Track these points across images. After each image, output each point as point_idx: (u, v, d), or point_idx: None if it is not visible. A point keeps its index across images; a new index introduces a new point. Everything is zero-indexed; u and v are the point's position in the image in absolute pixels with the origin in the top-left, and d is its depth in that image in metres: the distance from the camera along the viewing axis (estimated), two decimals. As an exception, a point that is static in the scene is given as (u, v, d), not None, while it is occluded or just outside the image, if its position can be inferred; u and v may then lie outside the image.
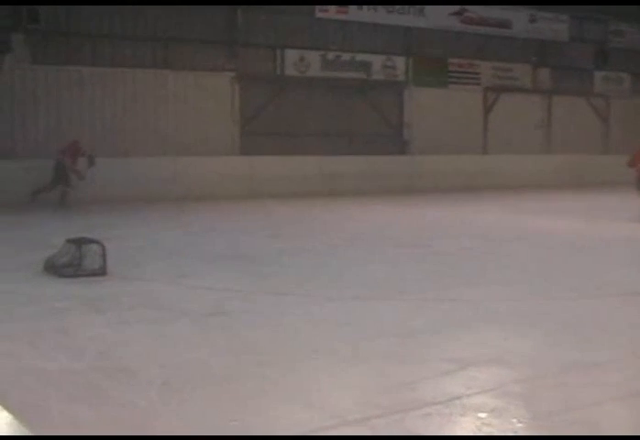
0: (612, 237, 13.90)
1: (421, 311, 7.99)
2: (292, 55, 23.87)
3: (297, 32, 24.03)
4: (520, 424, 4.84)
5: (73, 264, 9.56)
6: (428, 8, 25.96)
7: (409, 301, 8.53)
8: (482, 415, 4.98)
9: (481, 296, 8.62)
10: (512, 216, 17.52)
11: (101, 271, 9.55)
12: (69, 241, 9.89)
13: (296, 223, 16.29)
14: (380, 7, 25.09)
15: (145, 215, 17.25)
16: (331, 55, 24.54)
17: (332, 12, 24.40)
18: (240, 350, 6.48)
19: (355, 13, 24.77)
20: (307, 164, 22.78)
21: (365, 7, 24.87)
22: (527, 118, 28.37)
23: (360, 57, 25.04)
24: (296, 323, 7.48)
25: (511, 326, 7.37)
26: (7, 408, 3.59)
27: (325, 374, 5.90)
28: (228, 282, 9.33)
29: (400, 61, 25.90)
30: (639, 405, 5.42)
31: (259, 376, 5.79)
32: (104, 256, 9.59)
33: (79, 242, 9.78)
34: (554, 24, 29.10)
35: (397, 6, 25.41)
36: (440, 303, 8.34)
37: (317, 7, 24.10)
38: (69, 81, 20.72)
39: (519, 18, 28.32)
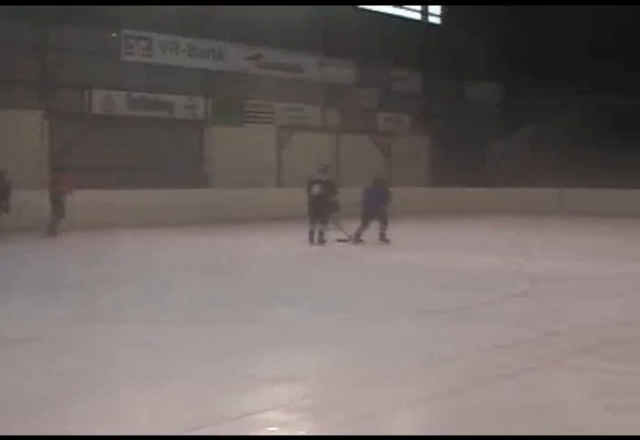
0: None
1: (226, 333, 8.90)
2: (99, 94, 25.17)
3: (104, 73, 25.38)
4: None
5: None
6: (227, 53, 28.05)
7: (214, 324, 9.51)
8: (273, 429, 5.54)
9: (285, 318, 9.77)
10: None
11: None
12: None
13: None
14: (181, 51, 27.00)
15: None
16: (136, 95, 26.06)
17: (138, 55, 26.03)
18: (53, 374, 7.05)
19: (159, 56, 26.47)
20: (115, 197, 23.57)
21: (168, 51, 26.64)
22: (318, 154, 30.49)
23: (164, 97, 26.60)
24: (107, 347, 8.14)
25: (307, 345, 8.21)
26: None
27: (135, 393, 6.37)
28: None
29: (200, 101, 27.58)
30: (425, 411, 6.18)
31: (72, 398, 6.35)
32: None
33: None
34: (341, 68, 31.76)
35: (198, 50, 27.38)
36: (245, 325, 9.35)
37: (123, 50, 25.66)
38: None
39: (310, 63, 30.75)
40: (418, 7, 36.40)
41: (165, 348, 8.07)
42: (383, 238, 18.75)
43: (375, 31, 32.36)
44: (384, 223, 18.78)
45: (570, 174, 28.98)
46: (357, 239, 18.68)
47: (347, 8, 32.15)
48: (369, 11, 33.43)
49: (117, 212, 22.86)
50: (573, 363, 7.65)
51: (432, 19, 37.18)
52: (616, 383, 6.92)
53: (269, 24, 28.35)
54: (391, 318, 9.98)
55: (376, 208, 18.70)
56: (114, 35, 25.72)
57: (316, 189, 18.65)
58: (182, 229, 22.72)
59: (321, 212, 18.46)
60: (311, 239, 18.61)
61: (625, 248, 18.48)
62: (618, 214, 27.34)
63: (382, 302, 11.16)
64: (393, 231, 18.85)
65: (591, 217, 26.84)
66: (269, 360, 7.53)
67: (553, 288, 12.60)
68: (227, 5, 27.23)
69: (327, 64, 31.35)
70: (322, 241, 18.54)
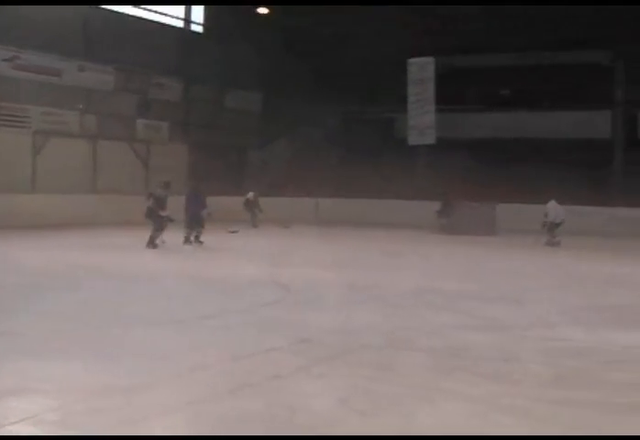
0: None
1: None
2: None
3: None
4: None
5: None
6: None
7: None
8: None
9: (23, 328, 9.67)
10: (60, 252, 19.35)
11: None
12: None
13: None
14: None
15: None
16: None
17: None
18: None
19: None
20: None
21: None
22: (75, 160, 30.10)
23: None
24: None
25: (51, 356, 8.13)
26: None
27: None
28: None
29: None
30: (179, 419, 6.28)
31: None
32: None
33: None
34: (101, 74, 31.38)
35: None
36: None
37: None
38: None
39: (69, 67, 30.17)
40: (181, 15, 36.47)
41: None
42: (197, 241, 21.12)
43: (136, 37, 32.17)
44: (201, 226, 21.19)
45: (327, 184, 30.03)
46: (151, 243, 20.02)
47: (109, 13, 31.84)
48: (131, 16, 33.22)
49: None
50: (321, 370, 8.02)
51: (194, 27, 37.36)
52: (362, 389, 7.31)
53: (28, 26, 27.58)
54: (144, 327, 10.05)
55: (194, 213, 21.04)
56: None
57: (150, 202, 20.35)
58: None
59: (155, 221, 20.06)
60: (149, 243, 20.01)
61: (375, 260, 19.46)
62: (375, 224, 28.57)
63: (129, 311, 11.22)
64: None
65: (347, 227, 27.86)
66: (14, 371, 7.45)
67: (305, 296, 13.09)
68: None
69: (87, 69, 30.85)
70: (154, 245, 19.97)
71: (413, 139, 33.00)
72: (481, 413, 6.63)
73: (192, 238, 21.17)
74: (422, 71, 32.75)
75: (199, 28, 37.75)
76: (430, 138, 32.47)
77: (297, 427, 6.17)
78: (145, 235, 20.23)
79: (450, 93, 32.24)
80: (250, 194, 29.29)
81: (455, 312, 11.74)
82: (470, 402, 6.92)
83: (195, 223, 21.22)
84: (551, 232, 23.72)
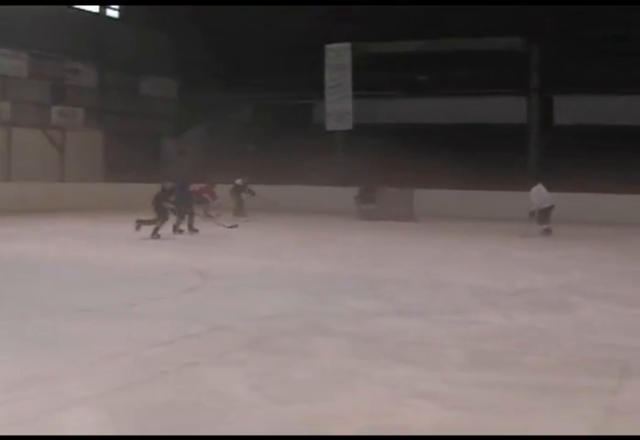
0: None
1: None
2: None
3: None
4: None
5: None
6: None
7: None
8: None
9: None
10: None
11: None
12: None
13: None
14: None
15: None
16: None
17: None
18: None
19: None
20: None
21: None
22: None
23: None
24: None
25: None
26: None
27: None
28: None
29: None
30: (90, 410, 6.10)
31: None
32: None
33: None
34: (14, 60, 30.70)
35: None
36: None
37: None
38: None
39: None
40: (96, -2, 35.83)
41: None
42: (192, 229, 21.20)
43: (50, 23, 31.49)
44: (181, 217, 21.09)
45: (244, 171, 29.85)
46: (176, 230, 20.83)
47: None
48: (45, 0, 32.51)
49: None
50: (237, 356, 7.98)
51: (110, 13, 36.72)
52: (279, 375, 7.27)
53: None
54: (54, 316, 9.88)
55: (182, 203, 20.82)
56: None
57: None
58: None
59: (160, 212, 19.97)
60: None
61: (294, 247, 19.48)
62: (294, 211, 28.49)
63: (41, 300, 11.02)
64: (60, 227, 18.61)
65: (264, 214, 27.63)
66: None
67: (222, 284, 13.01)
68: None
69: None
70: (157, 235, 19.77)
71: (331, 125, 33.10)
72: (400, 398, 6.65)
73: (181, 227, 21.08)
74: (339, 57, 32.82)
75: (115, 14, 37.14)
76: (347, 124, 32.61)
77: (210, 414, 6.12)
78: (58, 223, 19.89)
79: (367, 79, 32.34)
80: (239, 180, 27.97)
81: (373, 297, 11.80)
82: (388, 387, 6.94)
83: (186, 212, 21.14)
84: (543, 220, 21.85)
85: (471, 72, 32.59)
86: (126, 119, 35.46)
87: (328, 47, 32.96)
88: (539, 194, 21.90)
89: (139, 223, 19.75)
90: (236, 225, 22.20)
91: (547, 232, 21.74)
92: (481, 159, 29.01)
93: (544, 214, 21.76)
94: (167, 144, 37.56)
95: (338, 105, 32.79)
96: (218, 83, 34.44)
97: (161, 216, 19.83)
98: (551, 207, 21.72)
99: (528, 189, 22.45)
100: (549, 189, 22.22)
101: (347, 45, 32.76)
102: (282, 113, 36.23)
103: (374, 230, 23.92)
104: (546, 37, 30.87)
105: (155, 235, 19.64)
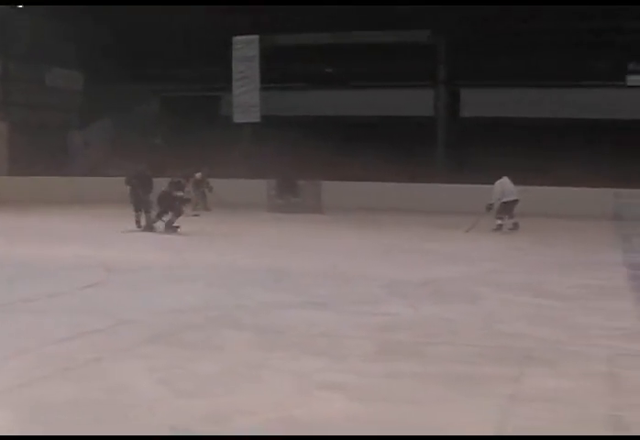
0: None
1: None
2: None
3: None
4: None
5: None
6: None
7: None
8: None
9: None
10: None
11: None
12: None
13: None
14: None
15: None
16: None
17: None
18: None
19: None
20: None
21: None
22: None
23: None
24: None
25: None
26: None
27: None
28: None
29: None
30: None
31: None
32: None
33: None
34: None
35: None
36: None
37: None
38: None
39: None
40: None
41: None
42: (171, 226, 20.17)
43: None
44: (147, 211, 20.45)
45: (152, 164, 29.44)
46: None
47: None
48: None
49: None
50: (142, 351, 7.88)
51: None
52: (186, 369, 7.20)
53: None
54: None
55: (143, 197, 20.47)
56: None
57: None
58: None
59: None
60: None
61: (212, 240, 19.30)
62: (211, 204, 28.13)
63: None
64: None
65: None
66: None
67: (128, 278, 12.84)
68: None
69: None
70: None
71: (238, 117, 32.94)
72: (308, 390, 6.65)
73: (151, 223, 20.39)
74: (247, 49, 32.65)
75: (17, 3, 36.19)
76: (255, 116, 32.49)
77: (115, 410, 6.02)
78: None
79: (276, 72, 32.28)
80: (198, 174, 27.26)
81: (281, 290, 11.76)
82: (296, 379, 6.92)
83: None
84: (503, 213, 21.12)
85: (380, 65, 32.76)
86: (31, 111, 34.69)
87: (236, 39, 32.74)
88: (502, 188, 21.29)
89: (170, 225, 19.91)
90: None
91: (515, 226, 21.13)
92: (390, 151, 29.14)
93: (507, 208, 21.16)
94: (73, 136, 36.88)
95: (246, 98, 32.64)
96: (124, 76, 33.93)
97: (175, 210, 19.99)
98: (515, 201, 21.19)
99: (437, 181, 22.45)
100: (464, 181, 22.24)
101: (254, 37, 32.60)
102: (190, 105, 35.96)
103: (286, 223, 23.84)
104: (453, 29, 31.17)
105: (170, 228, 19.77)
